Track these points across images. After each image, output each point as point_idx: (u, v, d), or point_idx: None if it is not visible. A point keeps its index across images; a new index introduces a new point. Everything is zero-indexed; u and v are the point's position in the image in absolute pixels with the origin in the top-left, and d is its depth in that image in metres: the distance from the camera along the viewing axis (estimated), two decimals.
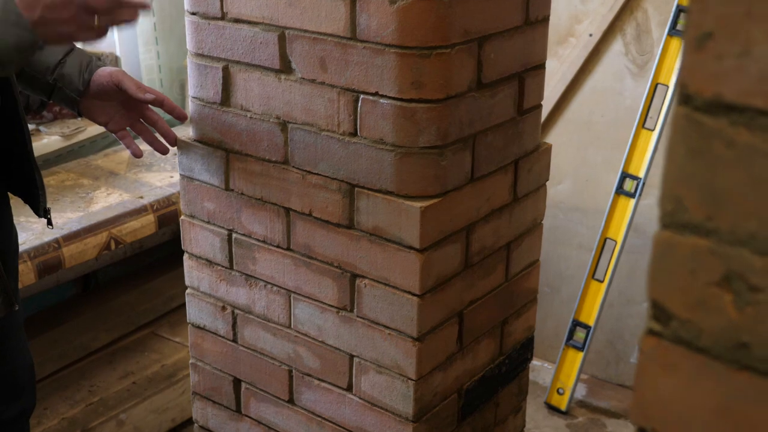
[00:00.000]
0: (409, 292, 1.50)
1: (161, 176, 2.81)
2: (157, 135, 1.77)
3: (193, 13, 1.68)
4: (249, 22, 1.59)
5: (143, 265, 3.01)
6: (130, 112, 1.74)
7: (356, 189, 1.53)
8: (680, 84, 0.58)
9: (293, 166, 1.61)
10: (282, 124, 1.60)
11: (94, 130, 3.10)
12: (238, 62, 1.63)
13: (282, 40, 1.56)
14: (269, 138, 1.63)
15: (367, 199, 1.52)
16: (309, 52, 1.53)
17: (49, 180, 2.66)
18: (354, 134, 1.51)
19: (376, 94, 1.47)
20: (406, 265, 1.49)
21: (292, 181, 1.61)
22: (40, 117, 3.03)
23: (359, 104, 1.49)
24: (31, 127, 2.98)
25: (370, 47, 1.45)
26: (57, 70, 1.68)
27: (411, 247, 1.48)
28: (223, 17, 1.62)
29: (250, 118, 1.64)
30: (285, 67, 1.57)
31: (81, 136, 3.07)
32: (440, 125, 1.46)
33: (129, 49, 3.34)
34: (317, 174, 1.58)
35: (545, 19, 1.66)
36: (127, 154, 3.03)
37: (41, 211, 1.76)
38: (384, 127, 1.47)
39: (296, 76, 1.56)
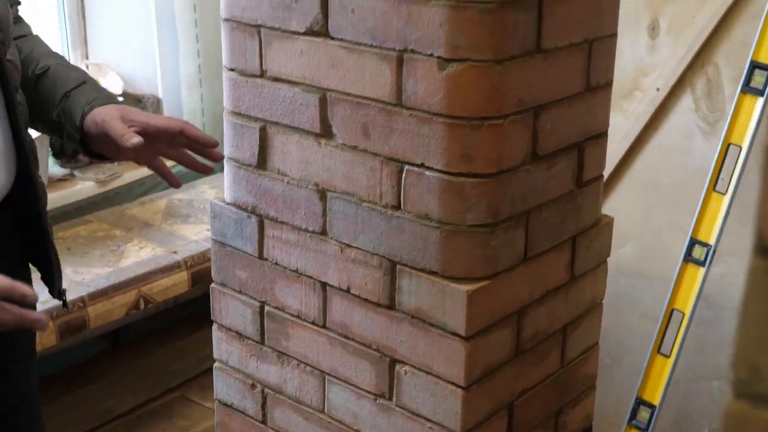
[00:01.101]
0: (454, 383, 1.44)
1: (198, 229, 2.79)
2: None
3: (231, 69, 1.66)
4: (289, 82, 1.57)
5: (176, 320, 2.98)
6: (156, 143, 1.64)
7: (398, 266, 1.49)
8: (759, 234, 0.51)
9: (331, 238, 1.57)
10: (321, 191, 1.57)
11: (131, 176, 3.11)
12: (276, 123, 1.61)
13: (323, 102, 1.53)
14: (307, 206, 1.59)
15: (409, 278, 1.47)
16: (351, 116, 1.50)
17: (80, 230, 2.66)
18: (397, 207, 1.47)
19: (422, 165, 1.42)
20: (450, 353, 1.44)
21: (330, 253, 1.57)
22: (75, 161, 3.04)
23: (404, 175, 1.45)
24: (64, 172, 3.00)
25: (416, 115, 1.41)
26: (61, 104, 1.64)
27: (456, 334, 1.43)
28: (262, 75, 1.60)
29: (288, 183, 1.61)
30: (325, 132, 1.54)
31: (116, 183, 3.07)
32: (491, 201, 1.42)
33: (172, 91, 3.37)
34: (357, 248, 1.54)
35: (608, 84, 1.61)
36: (163, 203, 3.03)
37: (56, 292, 1.72)
38: (430, 201, 1.43)
39: (337, 141, 1.53)
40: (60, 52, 3.34)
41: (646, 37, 2.80)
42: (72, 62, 3.40)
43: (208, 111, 3.40)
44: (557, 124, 1.50)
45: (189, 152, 1.69)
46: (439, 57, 1.36)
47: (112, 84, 3.37)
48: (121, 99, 3.27)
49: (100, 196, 3.01)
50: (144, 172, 3.16)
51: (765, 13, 2.51)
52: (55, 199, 2.76)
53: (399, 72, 1.41)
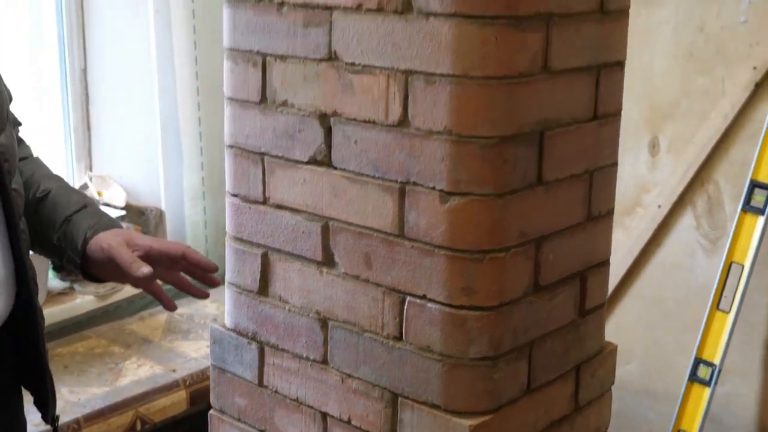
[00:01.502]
0: None
1: (197, 345, 2.77)
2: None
3: (234, 195, 1.67)
4: (292, 210, 1.57)
5: None
6: (155, 267, 1.63)
7: (400, 399, 1.47)
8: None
9: (333, 367, 1.55)
10: (322, 320, 1.56)
11: (131, 290, 3.10)
12: (278, 250, 1.61)
13: (325, 231, 1.53)
14: (308, 334, 1.58)
15: (411, 411, 1.45)
16: (353, 246, 1.50)
17: (78, 347, 2.64)
18: (399, 338, 1.46)
19: (423, 297, 1.42)
20: None
21: (331, 383, 1.56)
22: (75, 275, 3.03)
23: (405, 307, 1.44)
24: (64, 285, 2.99)
25: (418, 247, 1.41)
26: (62, 228, 1.65)
27: None
28: (264, 202, 1.61)
29: (289, 310, 1.61)
30: (328, 260, 1.54)
31: (116, 297, 3.06)
32: (493, 334, 1.40)
33: (175, 203, 3.38)
34: (358, 378, 1.52)
35: (609, 213, 1.62)
36: (163, 317, 3.02)
37: (49, 418, 1.70)
38: (431, 333, 1.42)
39: (339, 270, 1.53)
40: (64, 164, 3.40)
41: (647, 154, 2.84)
42: (76, 173, 3.44)
43: (210, 223, 3.40)
44: (559, 254, 1.50)
45: (186, 276, 1.70)
46: (440, 190, 1.36)
47: (116, 196, 3.39)
48: (122, 213, 3.29)
49: (100, 311, 3.00)
50: None
51: (763, 133, 2.55)
52: (54, 313, 2.75)
53: (401, 203, 1.42)
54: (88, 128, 3.44)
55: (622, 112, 1.60)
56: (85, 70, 3.38)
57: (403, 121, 1.39)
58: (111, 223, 1.69)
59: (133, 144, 3.41)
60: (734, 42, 2.63)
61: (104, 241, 1.63)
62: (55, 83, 3.36)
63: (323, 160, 1.51)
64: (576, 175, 1.50)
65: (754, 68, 2.61)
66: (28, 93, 3.30)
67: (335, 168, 1.50)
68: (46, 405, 1.68)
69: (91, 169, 3.48)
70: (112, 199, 3.38)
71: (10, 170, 1.53)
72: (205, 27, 3.19)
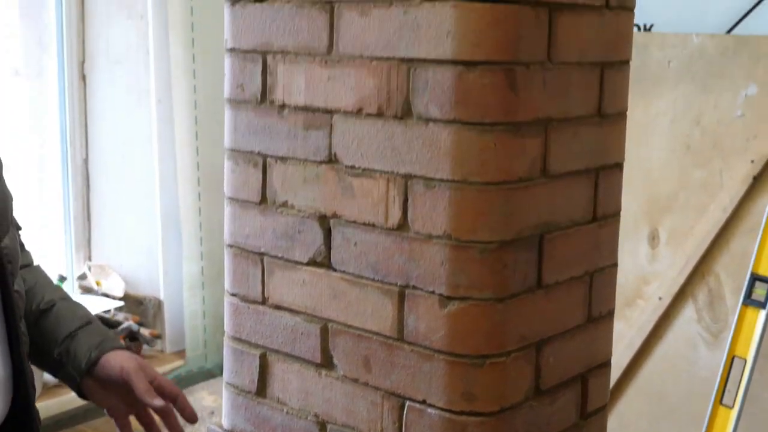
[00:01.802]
0: None
1: None
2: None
3: (233, 295, 1.67)
4: (291, 311, 1.57)
5: None
6: (138, 402, 1.61)
7: None
8: None
9: None
10: (321, 423, 1.54)
11: None
12: (277, 351, 1.60)
13: (324, 333, 1.52)
14: None
15: None
16: (353, 348, 1.49)
17: None
18: None
19: (423, 402, 1.40)
20: None
21: None
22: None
23: (405, 411, 1.43)
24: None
25: (418, 351, 1.40)
26: (65, 343, 1.63)
27: None
28: (264, 302, 1.61)
29: (287, 413, 1.59)
30: (326, 362, 1.53)
31: None
32: None
33: (174, 293, 3.39)
34: None
35: (609, 314, 1.61)
36: None
37: None
38: None
39: (338, 373, 1.51)
40: (63, 253, 3.42)
41: (647, 246, 2.84)
42: (75, 263, 3.45)
43: (209, 313, 3.41)
44: (560, 357, 1.48)
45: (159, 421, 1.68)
46: (440, 294, 1.36)
47: (114, 286, 3.39)
48: (121, 303, 3.29)
49: (84, 408, 2.97)
50: None
51: (762, 226, 2.55)
52: (49, 406, 2.74)
53: (400, 307, 1.41)
54: (88, 218, 3.47)
55: (622, 203, 1.60)
56: (86, 161, 3.42)
57: (403, 225, 1.39)
58: (115, 343, 1.67)
59: (132, 233, 3.43)
60: (731, 135, 2.66)
61: (118, 363, 1.61)
62: (56, 173, 3.39)
63: (323, 261, 1.51)
64: (576, 278, 1.50)
65: (752, 161, 2.62)
66: (30, 182, 3.32)
67: (335, 270, 1.49)
68: None
69: (90, 259, 3.49)
70: (110, 289, 3.39)
71: (13, 272, 1.52)
72: (207, 118, 3.23)
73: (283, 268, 1.57)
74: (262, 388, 1.62)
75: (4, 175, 1.61)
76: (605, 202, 1.53)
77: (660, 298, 2.79)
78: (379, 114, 1.39)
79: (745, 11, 2.74)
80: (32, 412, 1.58)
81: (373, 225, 1.43)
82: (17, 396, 1.55)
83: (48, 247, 3.34)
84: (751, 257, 2.57)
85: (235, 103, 1.60)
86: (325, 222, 1.50)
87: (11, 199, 1.60)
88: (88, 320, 1.67)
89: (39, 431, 1.61)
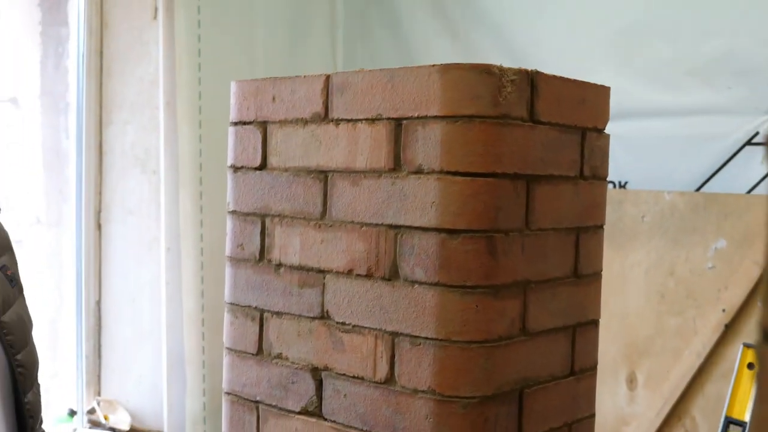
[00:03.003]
0: None
1: None
2: None
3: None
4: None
5: None
6: None
7: None
8: None
9: None
10: None
11: None
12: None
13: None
14: None
15: None
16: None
17: None
18: None
19: None
20: None
21: None
22: None
23: None
24: None
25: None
26: None
27: None
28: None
29: None
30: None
31: None
32: None
33: (177, 426, 3.34)
34: None
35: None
36: None
37: None
38: None
39: None
40: (74, 387, 3.38)
41: (625, 388, 2.81)
42: (85, 397, 3.41)
43: None
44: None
45: None
46: None
47: (121, 420, 3.35)
48: None
49: None
50: None
51: (735, 373, 2.53)
52: None
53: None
54: (99, 356, 3.44)
55: (601, 347, 1.59)
56: (99, 302, 3.42)
57: (390, 379, 1.38)
58: None
59: (140, 371, 3.41)
60: (703, 286, 2.66)
61: None
62: (71, 314, 3.39)
63: (314, 411, 1.49)
64: (556, 429, 1.47)
65: (723, 310, 2.62)
66: (45, 321, 3.31)
67: (326, 419, 1.47)
68: None
69: (99, 394, 3.45)
70: (117, 423, 3.34)
71: (33, 414, 1.50)
72: (212, 264, 3.25)
73: (277, 416, 1.55)
74: None
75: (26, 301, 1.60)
76: (582, 356, 1.52)
77: None
78: (369, 275, 1.40)
79: (714, 170, 2.79)
80: None
81: (362, 378, 1.42)
82: None
83: (60, 383, 3.31)
84: (725, 401, 2.54)
85: (236, 261, 1.61)
86: (317, 374, 1.49)
87: (31, 323, 1.58)
88: None
89: None
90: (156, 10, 3.20)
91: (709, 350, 2.65)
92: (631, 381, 2.81)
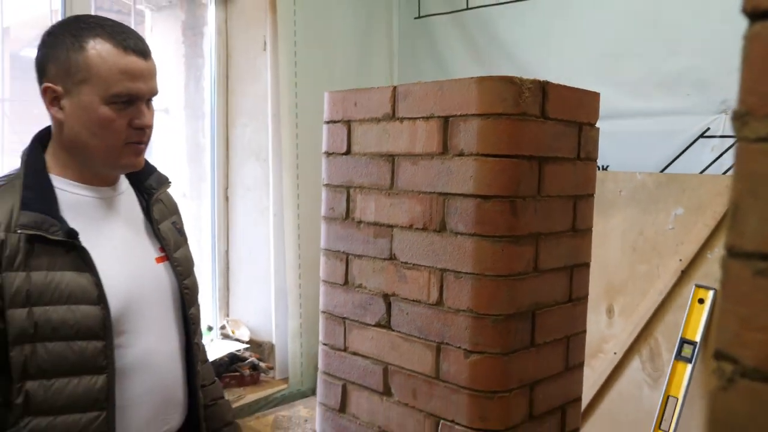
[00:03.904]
0: None
1: None
2: None
3: (325, 344, 1.67)
4: (363, 356, 1.57)
5: None
6: None
7: None
8: None
9: None
10: None
11: (252, 397, 3.08)
12: (353, 383, 1.60)
13: (385, 372, 1.52)
14: None
15: None
16: (404, 383, 1.48)
17: None
18: None
19: (452, 421, 1.39)
20: None
21: None
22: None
23: (440, 428, 1.41)
24: None
25: (449, 386, 1.39)
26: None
27: None
28: (345, 350, 1.61)
29: (359, 425, 1.58)
30: (387, 392, 1.52)
31: (239, 402, 3.03)
32: None
33: (281, 339, 3.36)
34: None
35: (581, 365, 1.58)
36: (272, 417, 2.96)
37: None
38: None
39: (394, 399, 1.51)
40: (211, 311, 3.45)
41: (605, 317, 2.80)
42: (218, 318, 3.47)
43: (305, 354, 3.38)
44: (546, 394, 1.46)
45: None
46: (465, 349, 1.36)
47: (243, 333, 3.40)
48: (248, 345, 3.29)
49: None
50: (259, 394, 3.13)
51: (688, 306, 2.51)
52: None
53: (437, 356, 1.41)
54: (228, 288, 3.49)
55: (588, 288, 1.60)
56: (227, 252, 3.46)
57: (439, 302, 1.40)
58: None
59: (255, 299, 3.44)
60: (665, 242, 2.64)
61: None
62: (208, 260, 3.44)
63: (384, 324, 1.52)
64: (557, 339, 1.49)
65: (680, 260, 2.60)
66: None
67: (393, 330, 1.50)
68: None
69: (228, 315, 3.50)
70: (241, 336, 3.39)
71: (195, 325, 1.49)
72: (306, 226, 3.27)
73: (358, 328, 1.58)
74: (343, 407, 1.62)
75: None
76: (578, 288, 1.53)
77: (615, 353, 2.73)
78: (424, 228, 1.41)
79: (675, 156, 2.75)
80: (200, 425, 1.53)
81: (419, 301, 1.44)
82: (191, 415, 1.50)
83: (202, 308, 3.37)
84: (680, 327, 2.52)
85: (328, 219, 1.63)
86: (387, 298, 1.51)
87: (193, 263, 1.57)
88: (230, 422, 1.64)
89: None
90: (265, 44, 3.22)
91: (669, 289, 2.62)
92: (610, 311, 2.79)
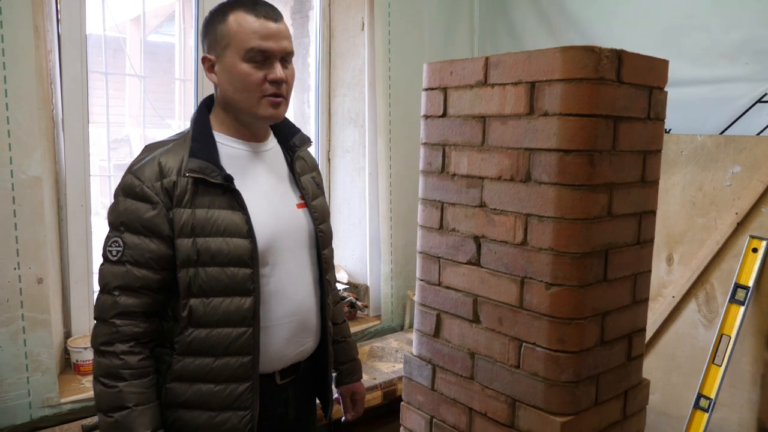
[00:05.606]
0: None
1: (388, 365, 2.78)
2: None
3: (422, 280, 1.71)
4: (455, 290, 1.60)
5: (368, 419, 2.93)
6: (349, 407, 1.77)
7: (517, 403, 1.46)
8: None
9: (477, 381, 1.56)
10: (471, 354, 1.57)
11: (351, 330, 3.18)
12: (446, 312, 1.63)
13: (475, 302, 1.56)
14: (462, 362, 1.59)
15: (524, 411, 1.45)
16: (492, 312, 1.52)
17: None
18: (518, 367, 1.46)
19: (534, 344, 1.43)
20: None
21: (475, 390, 1.56)
22: None
23: (522, 349, 1.45)
24: None
25: (531, 314, 1.43)
26: (340, 365, 1.76)
27: None
28: (439, 284, 1.65)
29: (451, 347, 1.62)
30: (476, 319, 1.56)
31: None
32: (576, 368, 1.40)
33: (375, 282, 3.43)
34: (492, 389, 1.52)
35: (646, 299, 1.57)
36: (368, 348, 3.06)
37: (328, 416, 1.65)
38: (538, 366, 1.42)
39: (482, 325, 1.54)
40: None
41: (665, 264, 2.76)
42: None
43: (395, 295, 3.44)
44: (616, 323, 1.48)
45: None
46: (546, 282, 1.38)
47: (343, 276, 3.49)
48: (347, 286, 3.38)
49: None
50: (356, 328, 3.22)
51: (743, 254, 2.46)
52: None
53: (521, 289, 1.44)
54: None
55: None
56: (329, 204, 3.53)
57: (524, 242, 1.42)
58: (359, 377, 1.78)
59: (353, 246, 3.51)
60: (722, 197, 2.57)
61: (358, 390, 1.74)
62: None
63: (475, 262, 1.54)
64: (626, 276, 1.49)
65: (736, 214, 2.53)
66: None
67: (482, 267, 1.53)
68: (327, 408, 1.67)
69: None
70: (341, 278, 3.48)
71: (327, 262, 1.57)
72: (397, 183, 3.30)
73: (451, 265, 1.60)
74: (437, 333, 1.66)
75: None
76: (645, 232, 1.52)
77: (673, 297, 2.70)
78: (511, 179, 1.43)
79: (732, 120, 2.66)
80: (328, 350, 1.60)
81: (506, 242, 1.46)
82: (322, 342, 1.58)
83: None
84: (735, 273, 2.48)
85: (426, 173, 1.65)
86: (477, 240, 1.53)
87: (328, 213, 1.63)
88: (354, 358, 1.73)
89: (331, 363, 1.64)
90: (363, 24, 3.24)
91: (725, 240, 2.56)
92: (669, 260, 2.76)
